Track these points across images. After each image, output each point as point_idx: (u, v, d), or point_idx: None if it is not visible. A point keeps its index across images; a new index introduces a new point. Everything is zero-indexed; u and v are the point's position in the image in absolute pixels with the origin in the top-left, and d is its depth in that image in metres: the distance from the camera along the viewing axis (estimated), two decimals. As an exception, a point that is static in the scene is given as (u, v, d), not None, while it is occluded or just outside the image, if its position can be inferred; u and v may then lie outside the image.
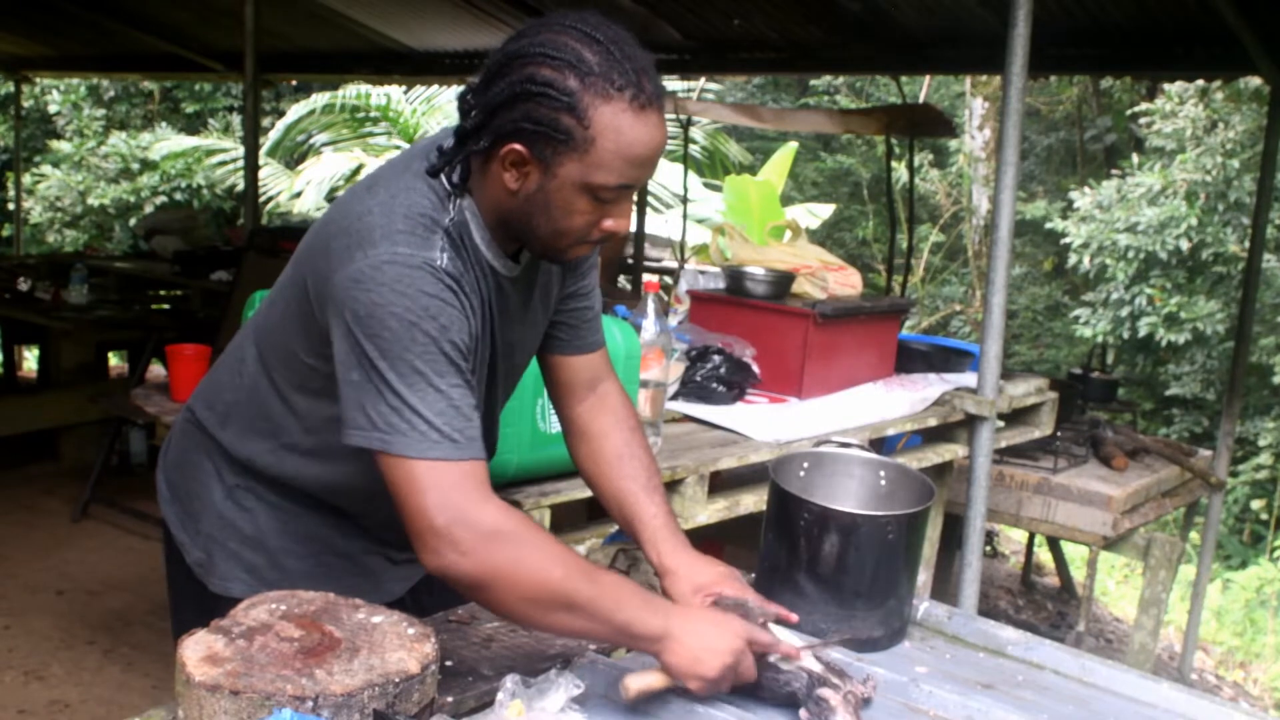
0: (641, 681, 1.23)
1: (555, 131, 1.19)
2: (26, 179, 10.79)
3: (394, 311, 1.20)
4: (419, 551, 1.21)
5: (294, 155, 11.41)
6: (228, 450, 1.48)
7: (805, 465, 1.60)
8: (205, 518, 1.51)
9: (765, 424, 2.53)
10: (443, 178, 1.30)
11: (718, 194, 9.73)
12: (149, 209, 10.63)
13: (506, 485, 1.96)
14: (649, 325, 2.23)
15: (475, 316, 1.30)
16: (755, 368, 2.78)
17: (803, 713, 1.22)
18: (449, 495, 1.19)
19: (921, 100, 10.73)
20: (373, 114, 10.54)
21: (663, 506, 1.49)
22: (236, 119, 11.54)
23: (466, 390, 1.24)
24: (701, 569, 1.42)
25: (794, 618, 1.38)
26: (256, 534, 1.48)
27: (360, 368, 1.21)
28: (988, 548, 5.58)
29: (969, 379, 3.06)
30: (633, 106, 1.20)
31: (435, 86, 10.01)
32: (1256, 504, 8.18)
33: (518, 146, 1.22)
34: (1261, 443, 8.41)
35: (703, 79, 8.88)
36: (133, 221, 10.25)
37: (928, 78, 11.13)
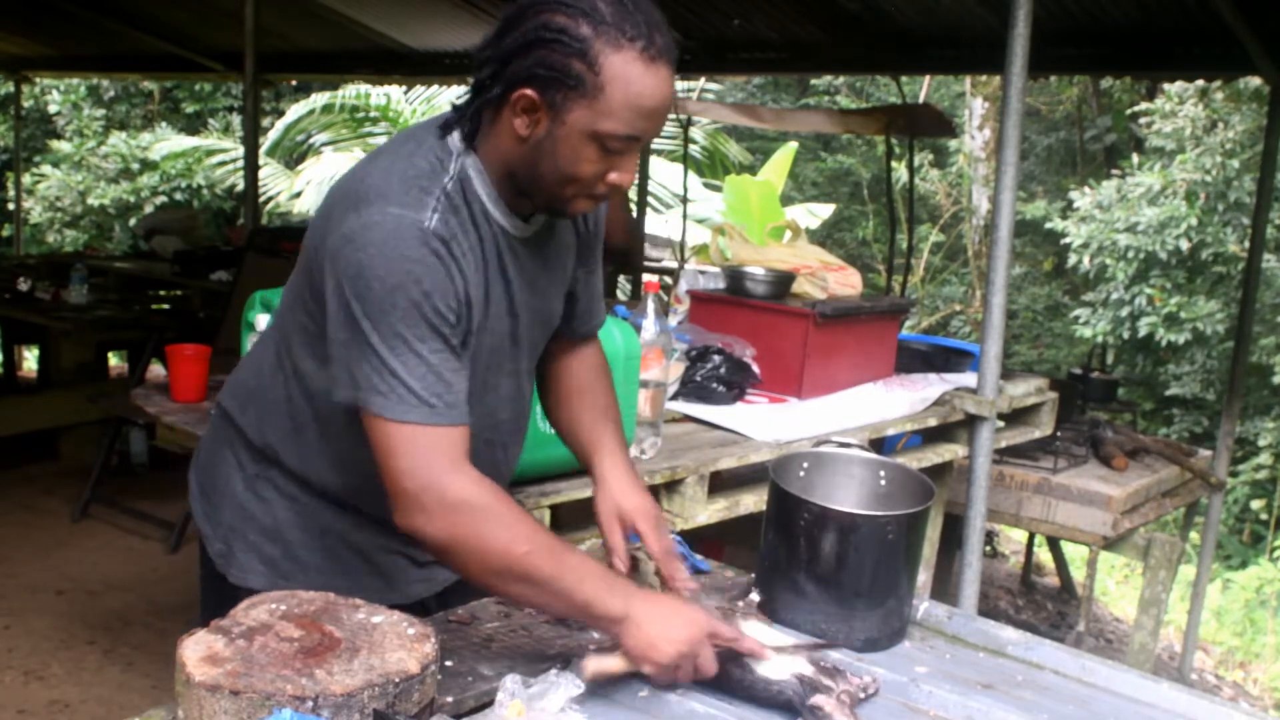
0: (599, 664, 1.25)
1: (566, 77, 1.21)
2: (26, 179, 10.78)
3: (378, 274, 1.22)
4: (393, 509, 1.26)
5: (294, 155, 11.41)
6: (248, 437, 1.49)
7: (805, 465, 1.60)
8: (225, 509, 1.52)
9: (765, 424, 2.53)
10: (449, 140, 1.32)
11: (718, 194, 9.73)
12: (149, 209, 10.62)
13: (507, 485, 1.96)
14: (649, 325, 2.23)
15: (472, 278, 1.31)
16: (755, 368, 2.78)
17: None
18: (419, 460, 1.23)
19: (921, 100, 10.73)
20: (372, 114, 10.54)
21: (617, 433, 1.56)
22: (236, 119, 11.53)
23: (449, 356, 1.27)
24: (631, 494, 1.49)
25: (691, 585, 1.43)
26: (274, 526, 1.49)
27: (347, 327, 1.25)
28: (988, 548, 5.58)
29: (969, 379, 3.06)
30: (643, 57, 1.22)
31: (435, 86, 10.00)
32: (1256, 504, 8.18)
33: (529, 92, 1.24)
34: (1261, 443, 8.41)
35: (703, 79, 8.88)
36: (133, 221, 10.24)
37: (928, 78, 11.13)
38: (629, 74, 1.22)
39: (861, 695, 1.26)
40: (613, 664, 1.26)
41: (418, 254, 1.23)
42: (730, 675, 1.27)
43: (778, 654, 1.28)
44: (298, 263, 1.42)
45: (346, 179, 1.34)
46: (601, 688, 1.26)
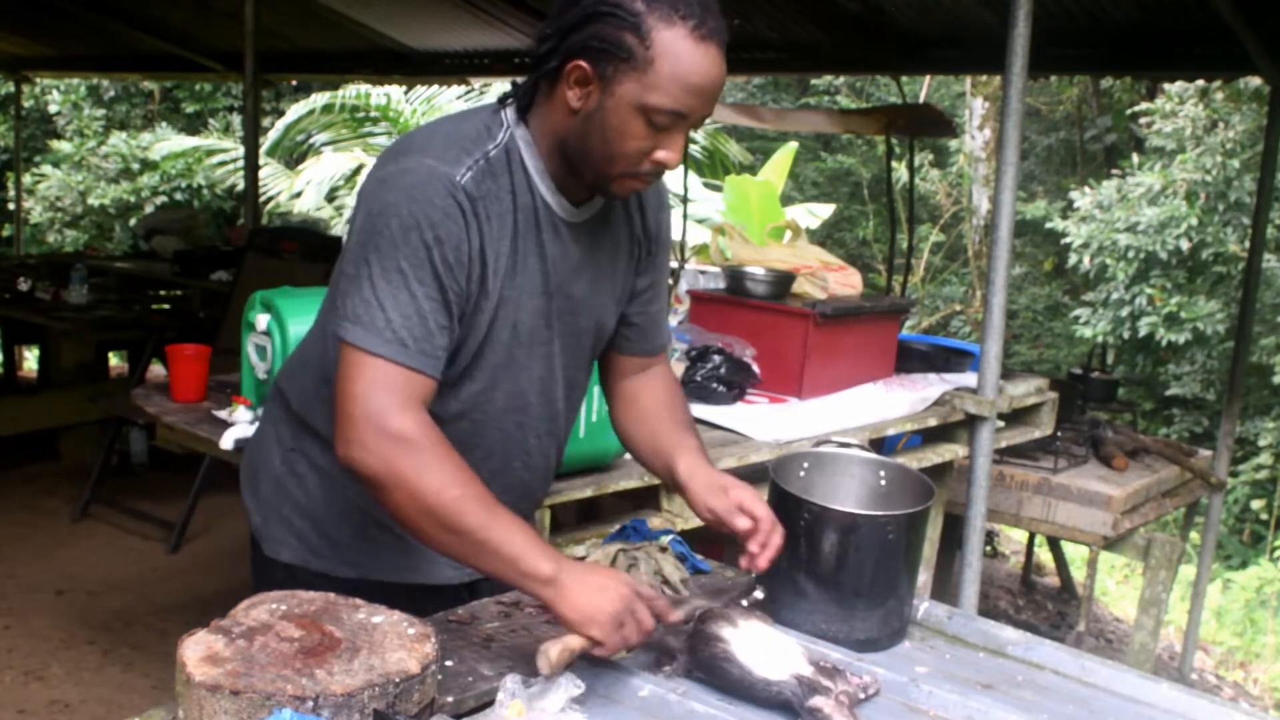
0: (558, 648, 1.24)
1: (618, 49, 1.26)
2: (26, 179, 10.78)
3: (399, 214, 1.28)
4: (335, 436, 1.29)
5: (294, 155, 11.40)
6: (289, 403, 1.53)
7: (805, 465, 1.60)
8: (264, 482, 1.56)
9: (765, 424, 2.53)
10: (503, 113, 1.37)
11: (718, 194, 9.72)
12: (149, 209, 10.62)
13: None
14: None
15: (494, 244, 1.34)
16: (755, 368, 2.79)
17: None
18: (374, 391, 1.26)
19: (921, 100, 10.73)
20: (373, 114, 10.53)
21: (698, 442, 1.54)
22: (236, 119, 11.53)
23: (441, 308, 1.30)
24: (723, 477, 1.48)
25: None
26: (307, 500, 1.52)
27: (354, 261, 1.30)
28: (988, 548, 5.58)
29: (969, 379, 3.06)
30: (694, 35, 1.26)
31: (435, 86, 10.00)
32: (1256, 504, 8.18)
33: (583, 63, 1.28)
34: (1261, 443, 8.41)
35: (703, 79, 8.85)
36: (133, 221, 10.23)
37: (928, 78, 11.13)
38: (678, 50, 1.26)
39: (861, 695, 1.26)
40: (572, 642, 1.24)
41: (441, 203, 1.28)
42: (729, 675, 1.26)
43: (799, 653, 1.28)
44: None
45: (396, 140, 1.41)
46: (600, 687, 1.26)
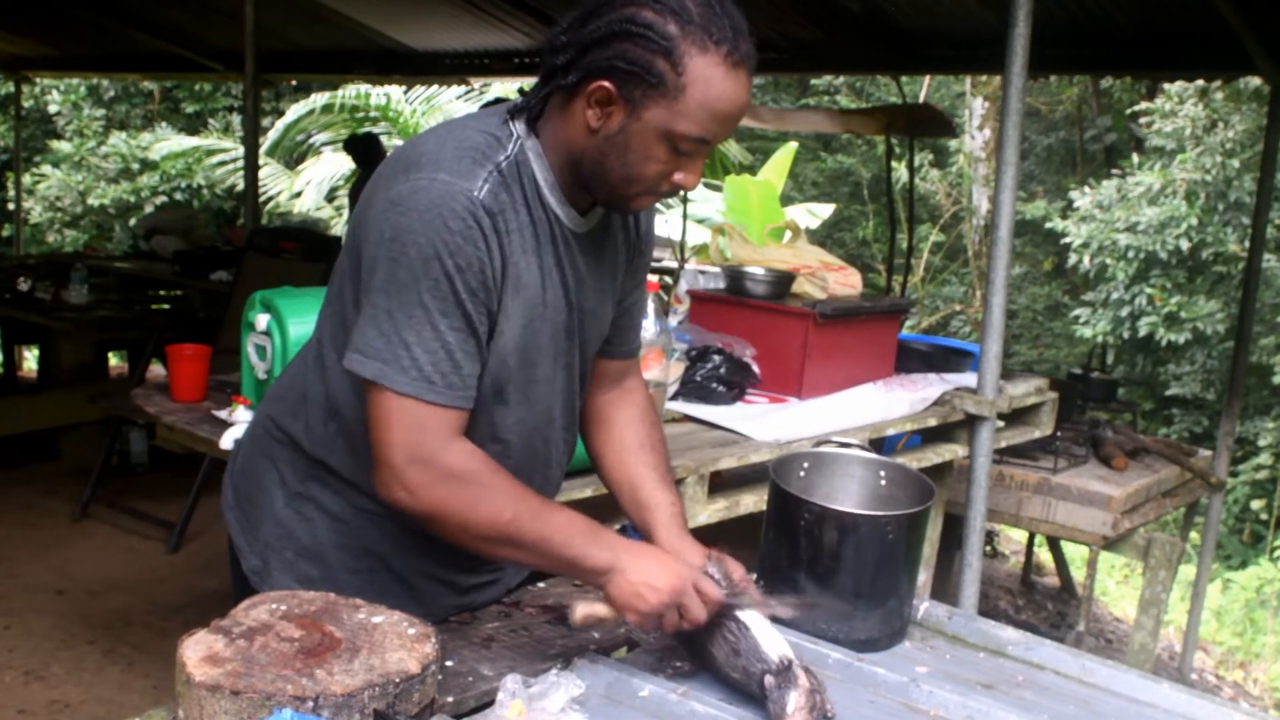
0: (587, 609, 1.29)
1: (648, 74, 1.20)
2: (26, 179, 10.79)
3: (417, 240, 1.21)
4: (374, 480, 1.27)
5: (294, 155, 11.41)
6: (299, 443, 1.44)
7: (805, 465, 1.60)
8: (264, 525, 1.48)
9: (765, 424, 2.53)
10: (512, 123, 1.31)
11: (718, 194, 9.72)
12: (149, 209, 10.63)
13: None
14: (649, 325, 2.23)
15: (520, 259, 1.29)
16: (755, 368, 2.78)
17: (768, 679, 1.21)
18: (412, 434, 1.23)
19: (921, 100, 10.73)
20: (373, 114, 10.53)
21: (676, 499, 1.51)
22: (236, 119, 11.55)
23: (468, 337, 1.25)
24: (701, 556, 1.43)
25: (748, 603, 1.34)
26: (314, 545, 1.45)
27: (368, 290, 1.25)
28: (988, 548, 5.58)
29: (969, 379, 3.06)
30: (727, 62, 1.21)
31: (435, 86, 10.01)
32: (1256, 504, 8.19)
33: (606, 84, 1.22)
34: (1261, 443, 8.42)
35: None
36: (133, 221, 10.25)
37: (928, 78, 11.14)
38: (711, 77, 1.20)
39: (825, 706, 1.22)
40: (600, 610, 1.29)
41: (459, 225, 1.21)
42: (714, 658, 1.28)
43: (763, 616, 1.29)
44: (342, 251, 1.38)
45: (399, 149, 1.33)
46: (601, 687, 1.26)
